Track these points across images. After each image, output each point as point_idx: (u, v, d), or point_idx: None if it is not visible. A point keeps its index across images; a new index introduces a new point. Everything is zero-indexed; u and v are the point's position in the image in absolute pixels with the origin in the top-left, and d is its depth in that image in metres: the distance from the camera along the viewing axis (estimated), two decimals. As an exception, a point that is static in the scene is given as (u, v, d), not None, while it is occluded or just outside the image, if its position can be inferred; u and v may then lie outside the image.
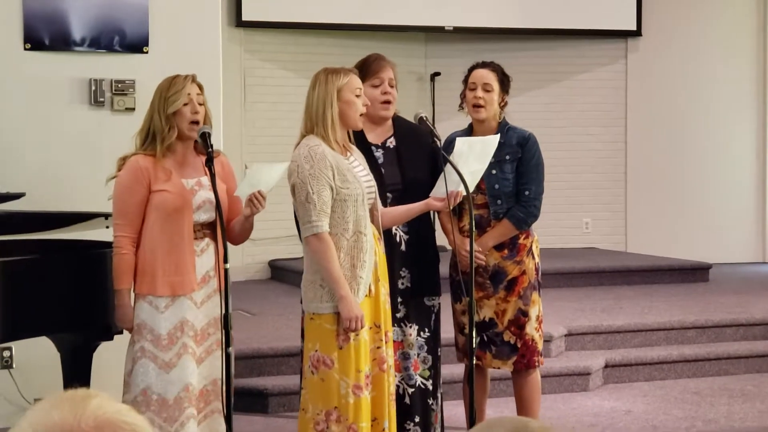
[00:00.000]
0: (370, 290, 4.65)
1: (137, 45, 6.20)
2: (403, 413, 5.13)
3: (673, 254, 10.64)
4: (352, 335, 4.55)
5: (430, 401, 5.22)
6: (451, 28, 10.67)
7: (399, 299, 5.12)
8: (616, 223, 11.41)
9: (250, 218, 4.67)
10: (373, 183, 4.80)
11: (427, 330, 5.21)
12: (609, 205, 11.38)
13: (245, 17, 10.00)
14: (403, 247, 5.16)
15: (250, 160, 9.96)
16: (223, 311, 4.42)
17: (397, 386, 5.12)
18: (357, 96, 4.67)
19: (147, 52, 6.22)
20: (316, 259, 4.59)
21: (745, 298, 8.94)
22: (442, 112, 10.29)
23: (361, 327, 4.54)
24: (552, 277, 9.44)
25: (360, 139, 5.00)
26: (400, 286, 5.13)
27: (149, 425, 1.43)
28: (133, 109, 6.03)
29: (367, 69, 5.05)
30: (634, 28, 11.21)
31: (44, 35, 6.04)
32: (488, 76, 5.40)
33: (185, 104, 4.61)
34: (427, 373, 5.20)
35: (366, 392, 4.60)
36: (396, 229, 5.12)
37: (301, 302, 4.72)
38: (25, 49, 6.02)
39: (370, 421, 4.64)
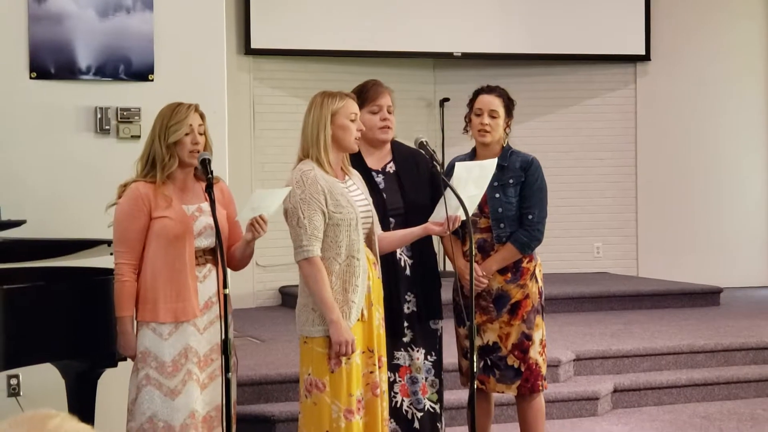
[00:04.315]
0: (362, 315, 4.65)
1: (143, 73, 6.23)
2: None
3: (685, 278, 10.61)
4: (343, 359, 4.55)
5: (438, 425, 5.22)
6: (460, 54, 10.70)
7: (405, 323, 5.12)
8: (627, 248, 11.38)
9: (251, 243, 4.67)
10: (371, 207, 4.80)
11: (433, 353, 5.22)
12: (620, 229, 11.36)
13: (254, 45, 10.05)
14: (407, 272, 5.16)
15: (259, 187, 10.00)
16: (223, 336, 4.41)
17: (406, 411, 5.12)
18: (352, 120, 4.69)
19: (152, 80, 6.25)
20: (307, 283, 4.61)
21: (755, 321, 8.89)
22: (451, 137, 10.30)
23: (352, 351, 4.55)
24: (563, 302, 9.43)
25: (359, 165, 5.02)
26: (405, 310, 5.13)
27: None
28: (139, 136, 6.05)
29: (365, 95, 5.07)
30: (642, 52, 11.22)
31: (50, 64, 6.07)
32: (494, 102, 5.40)
33: (186, 134, 4.63)
34: (435, 396, 5.21)
35: (358, 417, 4.60)
36: (400, 254, 5.12)
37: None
38: (31, 77, 6.06)
39: (363, 445, 4.64)
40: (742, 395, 7.56)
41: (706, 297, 9.98)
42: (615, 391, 7.33)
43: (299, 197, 4.57)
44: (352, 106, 4.72)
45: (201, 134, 4.66)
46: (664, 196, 11.32)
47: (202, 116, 4.70)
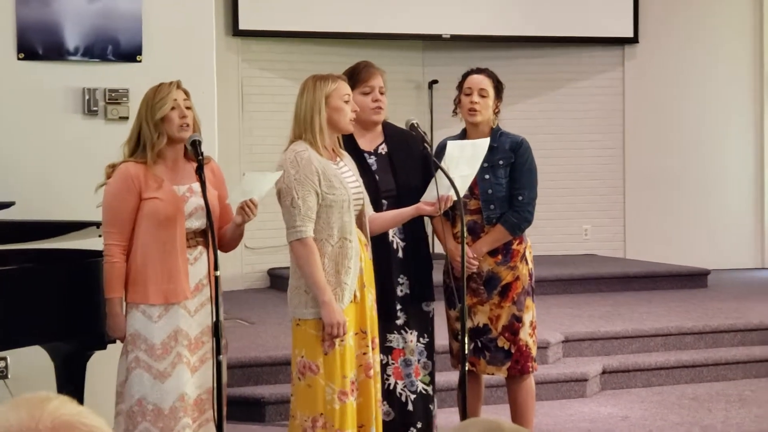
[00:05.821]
0: (355, 296, 4.65)
1: (131, 54, 6.20)
2: (406, 419, 5.15)
3: (672, 260, 10.63)
4: (337, 341, 4.55)
5: (431, 406, 5.23)
6: (449, 36, 10.67)
7: (398, 306, 5.13)
8: (615, 230, 11.40)
9: (241, 226, 4.66)
10: (362, 189, 4.80)
11: (426, 335, 5.23)
12: (608, 211, 11.38)
13: (242, 26, 10.01)
14: (400, 254, 5.16)
15: (248, 169, 9.97)
16: (214, 319, 4.40)
17: (400, 393, 5.13)
18: (345, 102, 4.68)
19: (140, 61, 6.22)
20: (299, 265, 4.61)
21: (743, 303, 8.93)
22: (440, 119, 10.28)
23: (344, 333, 4.54)
24: (551, 284, 9.45)
25: (351, 146, 5.01)
26: (399, 293, 5.13)
27: (108, 427, 1.42)
28: (127, 118, 6.02)
29: (357, 77, 5.07)
30: (631, 35, 11.21)
31: (37, 45, 6.04)
32: (484, 82, 5.41)
33: (172, 108, 4.60)
34: (428, 378, 5.22)
35: (352, 398, 4.60)
36: (393, 236, 5.12)
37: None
38: (19, 58, 6.02)
39: (357, 427, 4.64)
40: (730, 376, 7.59)
41: (694, 279, 10.01)
42: (604, 372, 7.35)
43: (293, 177, 4.55)
44: (345, 87, 4.71)
45: (188, 108, 4.63)
46: (651, 178, 11.34)
47: (186, 92, 4.68)
